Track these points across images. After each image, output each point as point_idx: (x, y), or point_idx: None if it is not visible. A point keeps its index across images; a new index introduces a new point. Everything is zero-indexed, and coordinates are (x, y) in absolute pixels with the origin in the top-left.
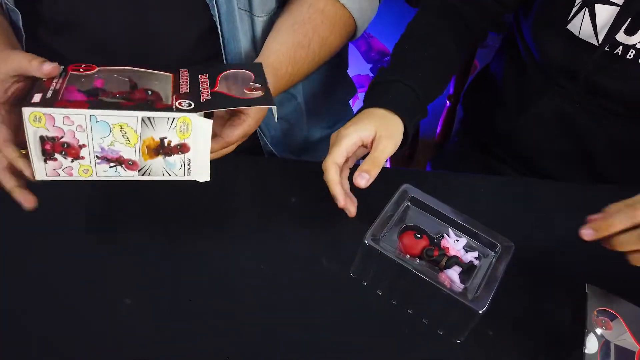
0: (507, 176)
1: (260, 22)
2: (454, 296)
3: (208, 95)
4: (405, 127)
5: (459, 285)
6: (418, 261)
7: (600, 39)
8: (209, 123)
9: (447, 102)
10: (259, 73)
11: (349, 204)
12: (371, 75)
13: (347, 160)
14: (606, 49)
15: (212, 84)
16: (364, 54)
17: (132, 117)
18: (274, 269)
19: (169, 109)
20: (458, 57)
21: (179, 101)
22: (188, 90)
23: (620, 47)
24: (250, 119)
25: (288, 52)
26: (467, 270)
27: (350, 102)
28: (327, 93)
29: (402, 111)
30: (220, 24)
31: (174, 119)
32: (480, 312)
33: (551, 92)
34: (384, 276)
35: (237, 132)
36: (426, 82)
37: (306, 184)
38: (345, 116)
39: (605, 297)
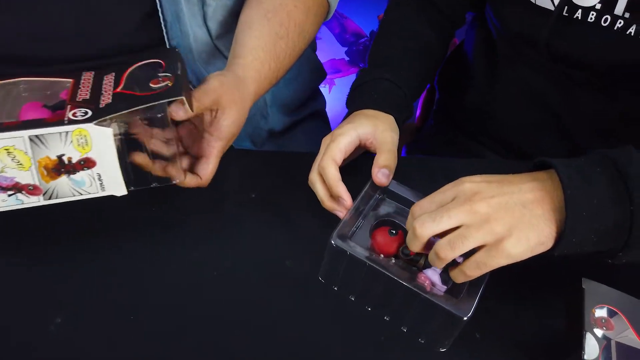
0: (487, 159)
1: (211, 1)
2: (435, 301)
3: (109, 98)
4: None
5: (440, 288)
6: (394, 261)
7: (556, 2)
8: (109, 132)
9: None
10: (173, 59)
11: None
12: (347, 59)
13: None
14: (564, 13)
15: (117, 83)
16: (338, 37)
17: (17, 138)
18: (229, 275)
19: (60, 122)
20: (440, 49)
21: (73, 111)
22: (88, 97)
23: (580, 11)
24: (225, 109)
25: (267, 47)
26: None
27: (327, 89)
28: (292, 78)
29: (392, 108)
30: (160, 5)
31: (67, 132)
32: (465, 318)
33: (518, 63)
34: (356, 280)
35: (226, 123)
36: (411, 79)
37: (267, 178)
38: (315, 104)
39: (603, 292)
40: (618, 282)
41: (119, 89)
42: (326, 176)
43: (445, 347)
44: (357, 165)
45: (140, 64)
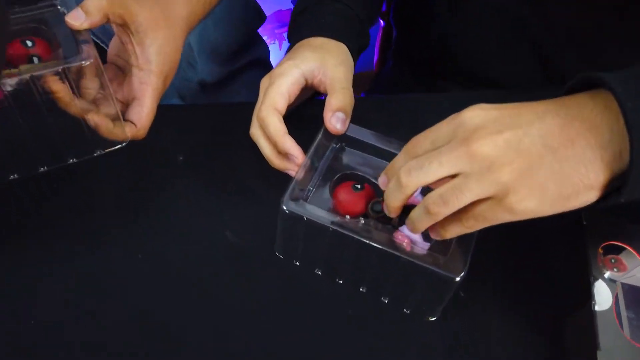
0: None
1: None
2: (419, 263)
3: None
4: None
5: (422, 246)
6: (363, 222)
7: None
8: None
9: (381, 21)
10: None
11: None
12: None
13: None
14: None
15: None
16: None
17: None
18: (160, 257)
19: None
20: None
21: None
22: None
23: None
24: (147, 32)
25: None
26: None
27: (276, 46)
28: (221, 17)
29: (344, 35)
30: None
31: None
32: (458, 279)
33: None
34: (320, 250)
35: (153, 50)
36: None
37: (200, 136)
38: (255, 51)
39: (609, 228)
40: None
41: None
42: (268, 129)
43: (435, 315)
44: (304, 113)
45: None
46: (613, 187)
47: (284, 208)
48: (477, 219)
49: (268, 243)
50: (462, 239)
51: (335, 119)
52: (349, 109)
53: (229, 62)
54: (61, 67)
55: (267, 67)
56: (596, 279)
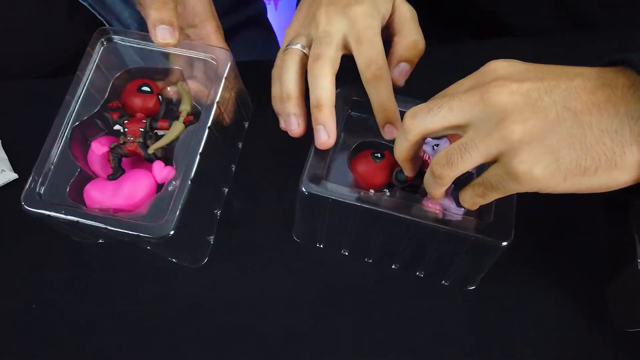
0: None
1: None
2: (458, 231)
3: None
4: None
5: (455, 212)
6: (388, 193)
7: None
8: None
9: None
10: None
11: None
12: None
13: None
14: None
15: None
16: None
17: None
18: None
19: None
20: None
21: None
22: None
23: None
24: None
25: None
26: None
27: (272, 7)
28: None
29: None
30: None
31: None
32: (505, 244)
33: None
34: (345, 230)
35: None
36: None
37: None
38: (250, 8)
39: None
40: None
41: None
42: (316, 89)
43: (474, 284)
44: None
45: None
46: None
47: (303, 189)
48: (485, 186)
49: (283, 226)
50: (502, 201)
51: (399, 72)
52: (416, 60)
53: (224, 18)
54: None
55: (265, 25)
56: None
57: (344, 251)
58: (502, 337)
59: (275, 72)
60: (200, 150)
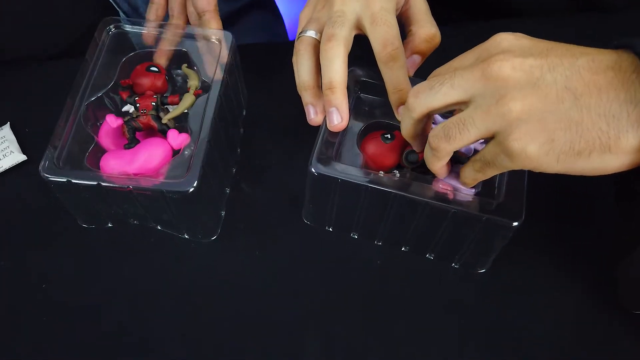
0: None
1: None
2: (469, 211)
3: None
4: None
5: (467, 192)
6: (398, 174)
7: None
8: None
9: None
10: None
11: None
12: None
13: None
14: None
15: None
16: None
17: None
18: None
19: None
20: None
21: None
22: None
23: None
24: None
25: None
26: None
27: None
28: None
29: None
30: None
31: None
32: (516, 224)
33: None
34: (355, 212)
35: None
36: None
37: None
38: None
39: None
40: None
41: None
42: (328, 67)
43: (485, 267)
44: None
45: None
46: None
47: (313, 170)
48: (482, 162)
49: (294, 209)
50: (512, 182)
51: (412, 63)
52: (428, 52)
53: (230, 1)
54: None
55: (270, 7)
56: None
57: (354, 234)
58: (512, 320)
59: (293, 60)
60: (212, 115)
